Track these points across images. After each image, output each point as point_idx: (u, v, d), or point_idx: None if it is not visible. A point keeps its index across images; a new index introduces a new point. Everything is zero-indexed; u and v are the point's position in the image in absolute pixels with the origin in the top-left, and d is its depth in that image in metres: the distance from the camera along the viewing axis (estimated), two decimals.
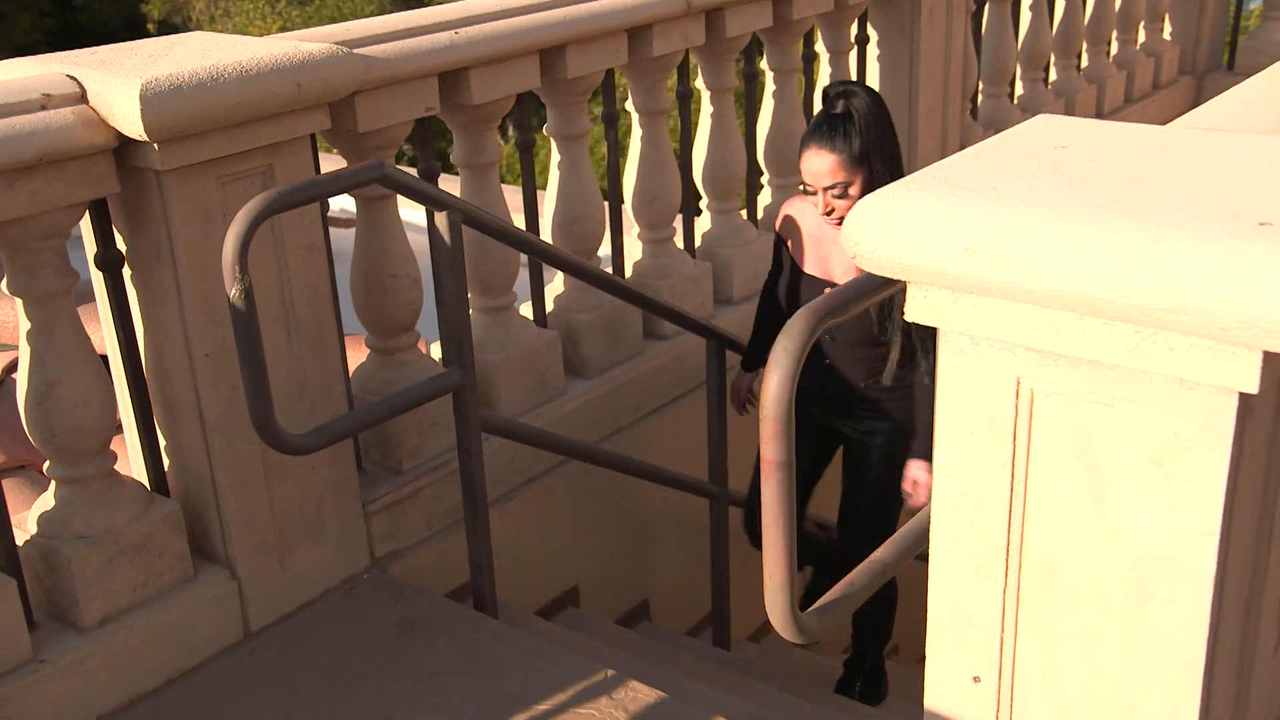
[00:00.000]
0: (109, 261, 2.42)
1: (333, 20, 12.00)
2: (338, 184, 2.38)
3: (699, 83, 3.78)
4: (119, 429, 2.50)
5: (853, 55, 4.27)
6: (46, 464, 2.42)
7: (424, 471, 2.98)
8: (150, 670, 2.48)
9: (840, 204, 2.79)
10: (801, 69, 4.09)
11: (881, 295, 2.24)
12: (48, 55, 2.42)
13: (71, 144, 2.18)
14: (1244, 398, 1.36)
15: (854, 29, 4.25)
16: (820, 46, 4.19)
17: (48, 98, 2.20)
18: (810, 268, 3.01)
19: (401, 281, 2.89)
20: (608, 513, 3.47)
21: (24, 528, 2.44)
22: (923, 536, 1.96)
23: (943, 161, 1.55)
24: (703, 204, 3.92)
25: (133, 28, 14.60)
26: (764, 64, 3.97)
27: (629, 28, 3.26)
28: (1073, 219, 1.37)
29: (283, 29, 11.79)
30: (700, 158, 3.82)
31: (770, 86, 3.98)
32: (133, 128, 2.20)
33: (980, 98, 5.07)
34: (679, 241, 3.80)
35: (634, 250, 3.71)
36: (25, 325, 2.32)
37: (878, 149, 2.76)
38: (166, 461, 2.59)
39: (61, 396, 2.34)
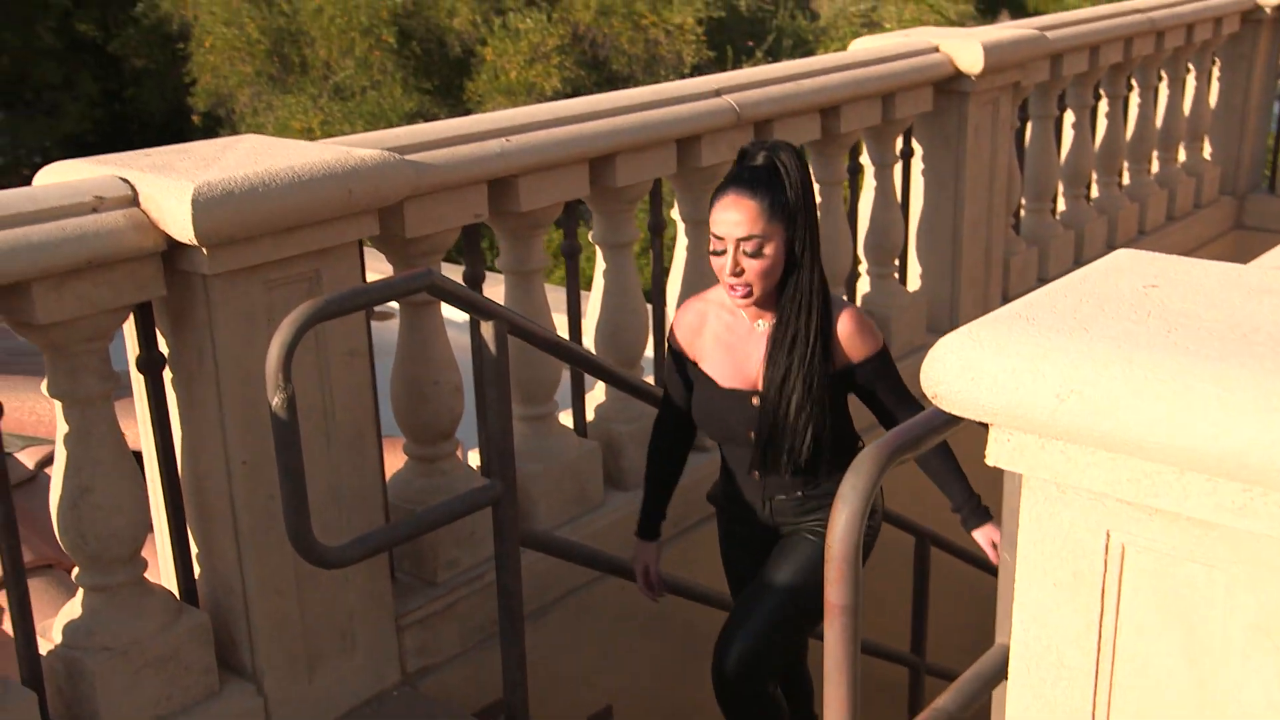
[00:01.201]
0: (150, 364, 2.36)
1: (373, 115, 12.16)
2: (386, 292, 2.33)
3: None
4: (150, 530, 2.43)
5: (898, 168, 4.23)
6: (75, 570, 2.34)
7: (459, 584, 2.88)
8: None
9: (752, 264, 2.39)
10: (845, 181, 4.05)
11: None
12: (103, 156, 2.39)
13: (120, 247, 2.14)
14: None
15: (899, 143, 4.22)
16: (866, 159, 4.16)
17: (99, 200, 2.16)
18: (729, 380, 2.56)
19: (443, 389, 2.82)
20: (647, 629, 3.35)
21: (48, 636, 2.35)
22: (989, 680, 1.85)
23: (1027, 298, 1.48)
24: None
25: (178, 119, 14.85)
26: (815, 175, 3.93)
27: (679, 138, 3.23)
28: (1174, 366, 1.28)
29: (324, 123, 11.96)
30: None
31: (817, 199, 3.94)
32: (183, 232, 2.16)
33: (1023, 213, 5.02)
34: None
35: None
36: (63, 428, 2.26)
37: (803, 210, 2.41)
38: (197, 569, 2.50)
39: (95, 503, 2.26)
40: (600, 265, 3.32)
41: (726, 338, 2.57)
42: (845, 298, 2.67)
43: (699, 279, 3.49)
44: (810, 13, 16.41)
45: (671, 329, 2.65)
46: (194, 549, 2.49)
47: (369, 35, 12.45)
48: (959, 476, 2.57)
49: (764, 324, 2.53)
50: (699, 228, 3.51)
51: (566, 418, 3.31)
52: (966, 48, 4.09)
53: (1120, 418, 1.29)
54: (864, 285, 4.28)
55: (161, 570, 2.55)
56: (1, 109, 17.44)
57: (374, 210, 2.48)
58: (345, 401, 2.53)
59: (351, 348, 2.53)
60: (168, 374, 2.39)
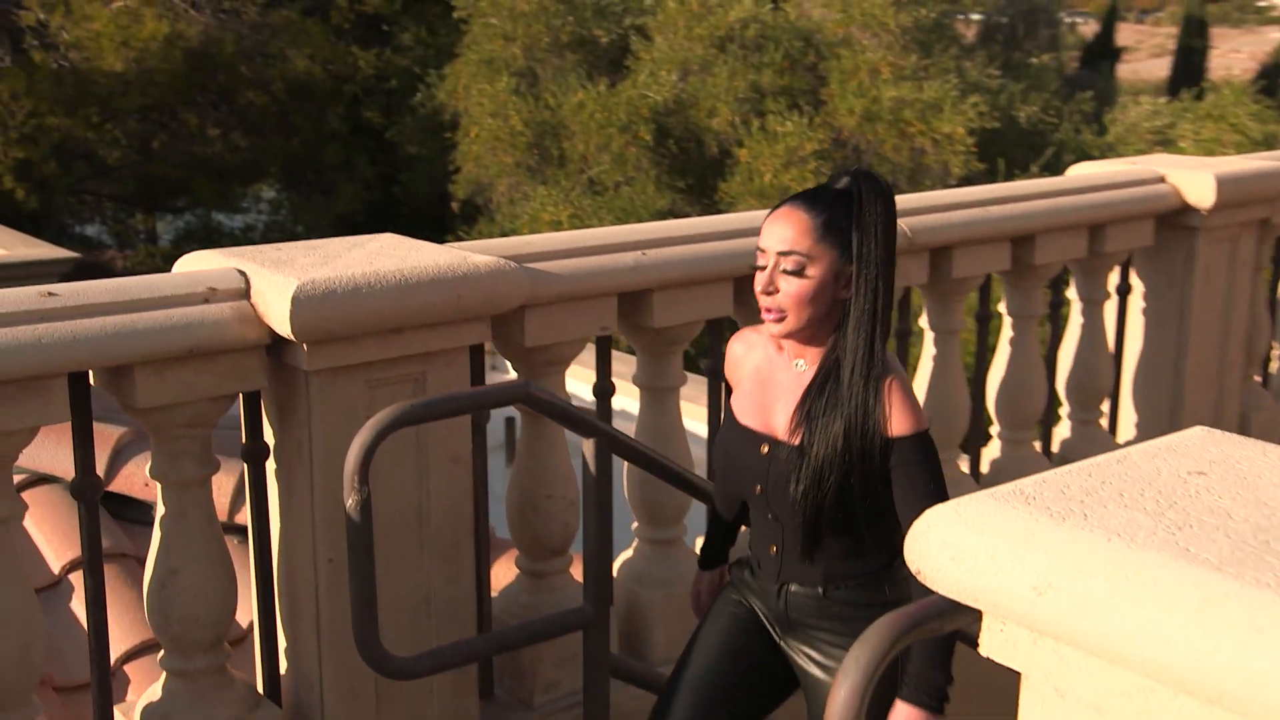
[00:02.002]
0: (254, 454, 2.52)
1: (624, 211, 12.59)
2: (477, 401, 2.42)
3: (923, 321, 3.67)
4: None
5: (1109, 305, 4.05)
6: (160, 653, 2.50)
7: (556, 709, 2.89)
8: None
9: (789, 284, 2.19)
10: (1045, 316, 3.91)
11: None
12: (237, 249, 2.59)
13: (223, 339, 2.31)
14: None
15: (1114, 277, 4.04)
16: (1072, 293, 4.00)
17: (212, 291, 2.35)
18: (747, 417, 2.35)
19: (557, 503, 2.87)
20: None
21: (130, 716, 2.51)
22: None
23: (1043, 474, 1.39)
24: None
25: (441, 205, 15.85)
26: (1001, 307, 3.82)
27: None
28: (1161, 569, 1.18)
29: (572, 216, 12.47)
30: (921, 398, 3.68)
31: (1007, 332, 3.82)
32: (283, 327, 2.31)
33: (1276, 364, 4.68)
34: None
35: None
36: (160, 509, 2.44)
37: (869, 244, 2.20)
38: (283, 664, 2.62)
39: (182, 585, 2.42)
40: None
41: (764, 371, 2.37)
42: (897, 361, 2.34)
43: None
44: (1099, 126, 15.96)
45: (730, 341, 2.52)
46: (282, 643, 2.61)
47: (627, 131, 12.96)
48: (934, 646, 2.19)
49: (804, 364, 2.30)
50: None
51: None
52: (1196, 179, 3.89)
53: (1099, 621, 1.20)
54: (1063, 430, 4.09)
55: (257, 662, 2.68)
56: (286, 187, 19.11)
57: (485, 317, 2.57)
58: (444, 508, 2.61)
59: (455, 453, 2.62)
60: (271, 464, 2.55)
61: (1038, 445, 4.02)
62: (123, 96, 15.16)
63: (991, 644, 1.36)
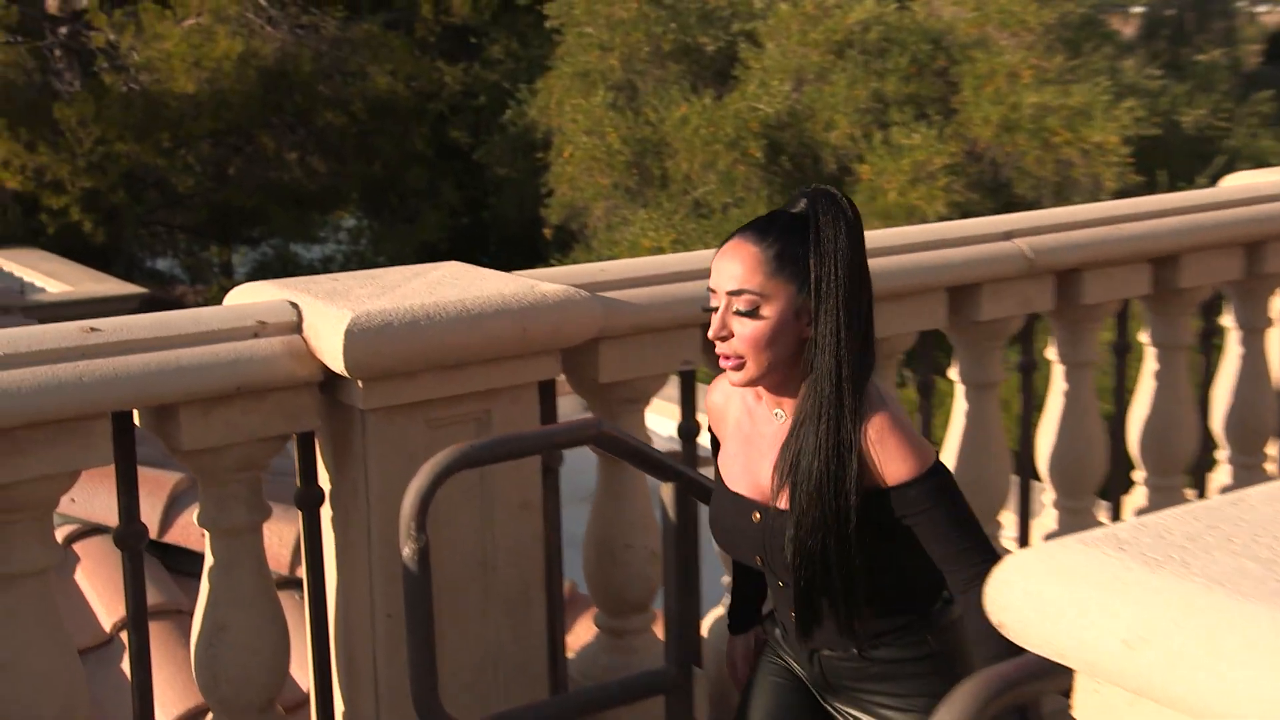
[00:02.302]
0: (308, 500, 2.60)
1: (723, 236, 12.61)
2: (545, 441, 2.47)
3: (1050, 352, 3.65)
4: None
5: (1272, 333, 3.97)
6: (209, 717, 2.58)
7: None
8: None
9: (743, 326, 2.15)
10: (1195, 346, 3.85)
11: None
12: (291, 280, 2.69)
13: (272, 375, 2.40)
14: None
15: (1277, 301, 3.97)
16: (1228, 320, 3.93)
17: (262, 325, 2.44)
18: (735, 482, 2.33)
19: (637, 554, 2.91)
20: None
21: None
22: None
23: (1142, 518, 1.39)
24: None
25: (532, 231, 16.06)
26: (1143, 336, 3.77)
27: (950, 286, 3.22)
28: (1270, 623, 1.17)
29: (675, 242, 12.54)
30: (1047, 443, 3.65)
31: (1151, 365, 3.76)
32: (336, 363, 2.39)
33: None
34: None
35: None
36: (209, 560, 2.53)
37: (830, 273, 2.14)
38: None
39: (231, 642, 2.50)
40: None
41: (745, 426, 2.34)
42: (891, 396, 2.27)
43: (973, 447, 3.43)
44: None
45: (709, 388, 2.48)
46: (339, 704, 2.68)
47: (734, 148, 13.01)
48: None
49: (783, 414, 2.27)
50: (981, 391, 3.45)
51: None
52: None
53: (1194, 681, 1.19)
54: (1222, 475, 4.01)
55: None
56: (367, 215, 19.54)
57: (555, 350, 2.63)
58: (511, 558, 2.67)
59: (523, 499, 2.67)
60: (326, 510, 2.63)
61: (1191, 493, 3.94)
62: (195, 120, 15.65)
63: (1085, 707, 1.35)
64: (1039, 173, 13.39)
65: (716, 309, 2.19)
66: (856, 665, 2.30)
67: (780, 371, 2.20)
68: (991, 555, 2.14)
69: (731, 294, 2.17)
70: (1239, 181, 4.07)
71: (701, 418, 3.02)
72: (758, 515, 2.27)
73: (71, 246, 15.08)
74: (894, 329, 3.15)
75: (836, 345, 2.15)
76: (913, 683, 2.28)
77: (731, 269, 2.17)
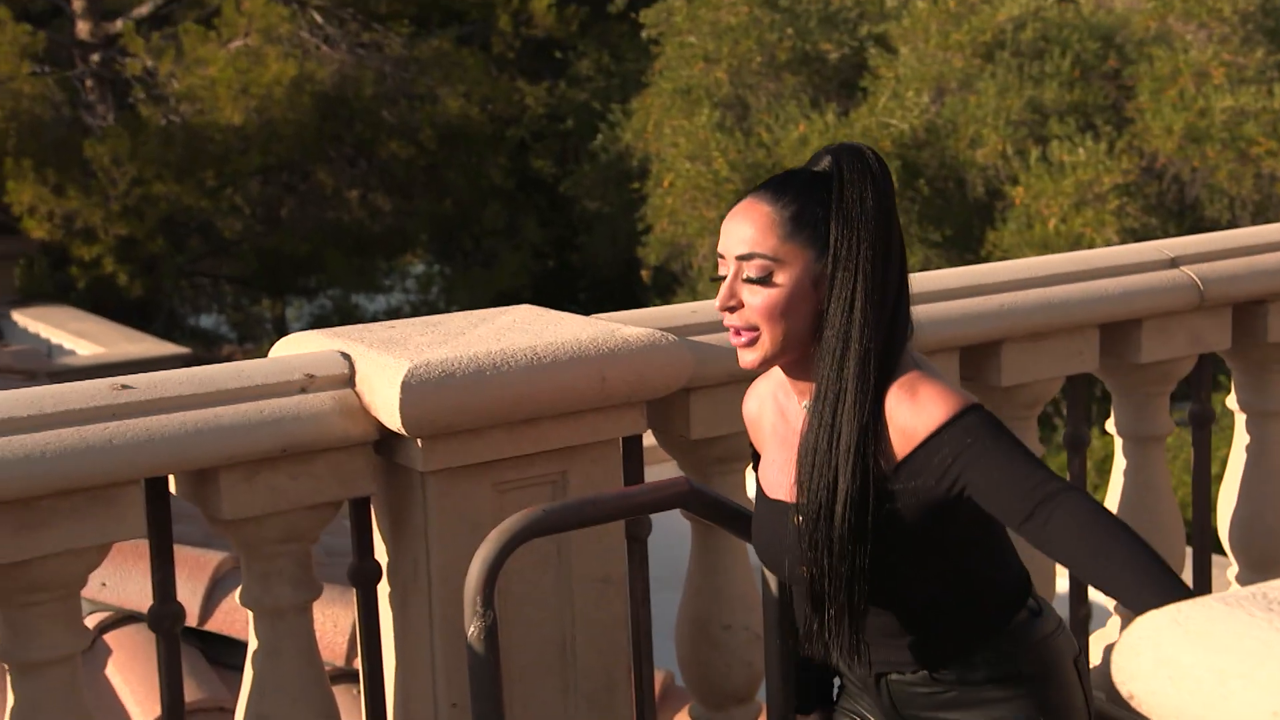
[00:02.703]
0: (363, 575, 2.71)
1: None
2: (626, 504, 2.55)
3: (1231, 400, 3.67)
4: None
5: None
6: None
7: None
8: None
9: (754, 295, 2.23)
10: None
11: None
12: (344, 329, 2.81)
13: (321, 435, 2.52)
14: None
15: None
16: None
17: (310, 379, 2.56)
18: (773, 489, 2.40)
19: (738, 635, 2.98)
20: None
21: None
22: None
23: None
24: None
25: (628, 273, 16.29)
26: None
27: (1102, 323, 3.27)
28: None
29: None
30: (1228, 507, 3.67)
31: None
32: (391, 419, 2.50)
33: None
34: None
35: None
36: (252, 643, 2.64)
37: (852, 240, 2.20)
38: None
39: None
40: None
41: (780, 428, 2.42)
42: (927, 363, 2.35)
43: (1135, 511, 3.45)
44: None
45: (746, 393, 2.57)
46: None
47: None
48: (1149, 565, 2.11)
49: (810, 404, 2.32)
50: (1144, 445, 3.48)
51: None
52: None
53: None
54: None
55: None
56: (438, 259, 19.93)
57: (639, 402, 2.72)
58: (593, 642, 2.75)
59: (606, 574, 2.76)
60: (384, 587, 2.73)
61: None
62: (242, 155, 16.14)
63: None
64: (1234, 190, 13.28)
65: (725, 277, 2.26)
66: (928, 690, 2.34)
67: (798, 349, 2.26)
68: (1067, 484, 2.15)
69: (741, 259, 2.23)
70: None
71: None
72: (799, 519, 2.31)
73: (105, 302, 15.62)
74: (1034, 374, 3.21)
75: (850, 316, 2.20)
76: (996, 708, 2.30)
77: (742, 231, 2.24)
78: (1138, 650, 1.40)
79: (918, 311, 3.04)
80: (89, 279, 16.02)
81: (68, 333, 12.30)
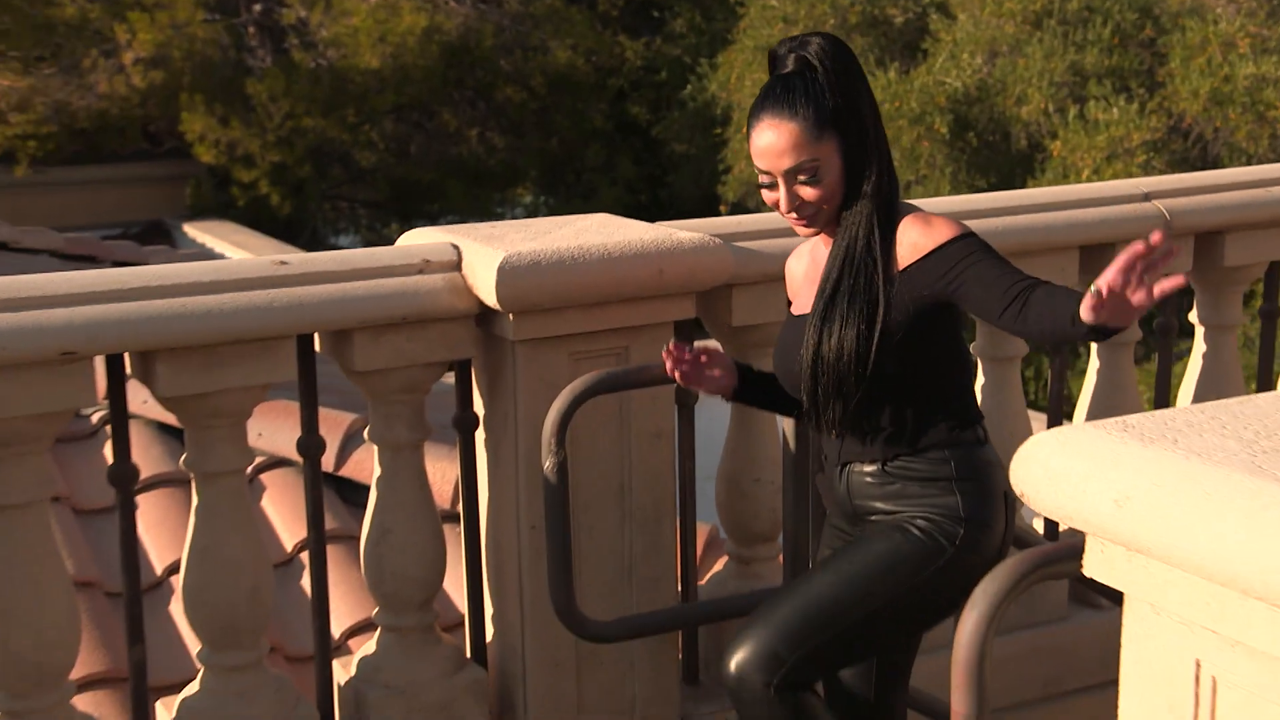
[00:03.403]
0: (464, 423, 3.01)
1: None
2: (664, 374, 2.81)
3: (1192, 315, 3.84)
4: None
5: None
6: (375, 609, 3.01)
7: None
8: None
9: (812, 192, 2.46)
10: None
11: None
12: (456, 226, 3.09)
13: (434, 307, 2.80)
14: None
15: None
16: None
17: (426, 263, 2.84)
18: (799, 309, 2.66)
19: (764, 488, 3.24)
20: None
21: (348, 668, 3.02)
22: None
23: (1155, 411, 1.68)
24: None
25: (709, 208, 16.43)
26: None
27: (1083, 244, 3.46)
28: (1233, 484, 1.46)
29: None
30: (1185, 402, 3.84)
31: None
32: (489, 297, 2.78)
33: None
34: None
35: None
36: (376, 470, 2.95)
37: (850, 109, 2.46)
38: (490, 629, 3.09)
39: (394, 544, 2.92)
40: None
41: (812, 270, 2.65)
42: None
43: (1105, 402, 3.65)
44: None
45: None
46: (488, 609, 3.08)
47: (919, 123, 13.14)
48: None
49: None
50: (1117, 350, 3.67)
51: None
52: None
53: (1176, 532, 1.48)
54: None
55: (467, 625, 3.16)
56: (544, 191, 20.17)
57: (690, 293, 2.98)
58: (645, 483, 3.03)
59: (657, 429, 3.03)
60: (481, 434, 3.03)
61: None
62: (378, 95, 16.43)
63: (1093, 564, 1.65)
64: (1252, 149, 13.14)
65: (774, 186, 2.49)
66: (877, 482, 2.54)
67: (838, 209, 2.52)
68: (1039, 280, 2.37)
69: (787, 173, 2.46)
70: None
71: None
72: (813, 305, 2.56)
73: (259, 219, 16.00)
74: None
75: (877, 161, 2.49)
76: (923, 498, 2.51)
77: (778, 147, 2.46)
78: (1029, 460, 1.65)
79: None
80: (247, 199, 16.40)
81: (229, 243, 12.71)
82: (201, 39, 15.74)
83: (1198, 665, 1.56)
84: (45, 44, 15.57)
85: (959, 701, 1.81)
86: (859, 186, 2.49)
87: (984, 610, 1.79)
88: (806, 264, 2.69)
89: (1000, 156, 13.67)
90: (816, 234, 2.57)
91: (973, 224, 3.30)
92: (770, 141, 2.46)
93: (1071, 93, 13.43)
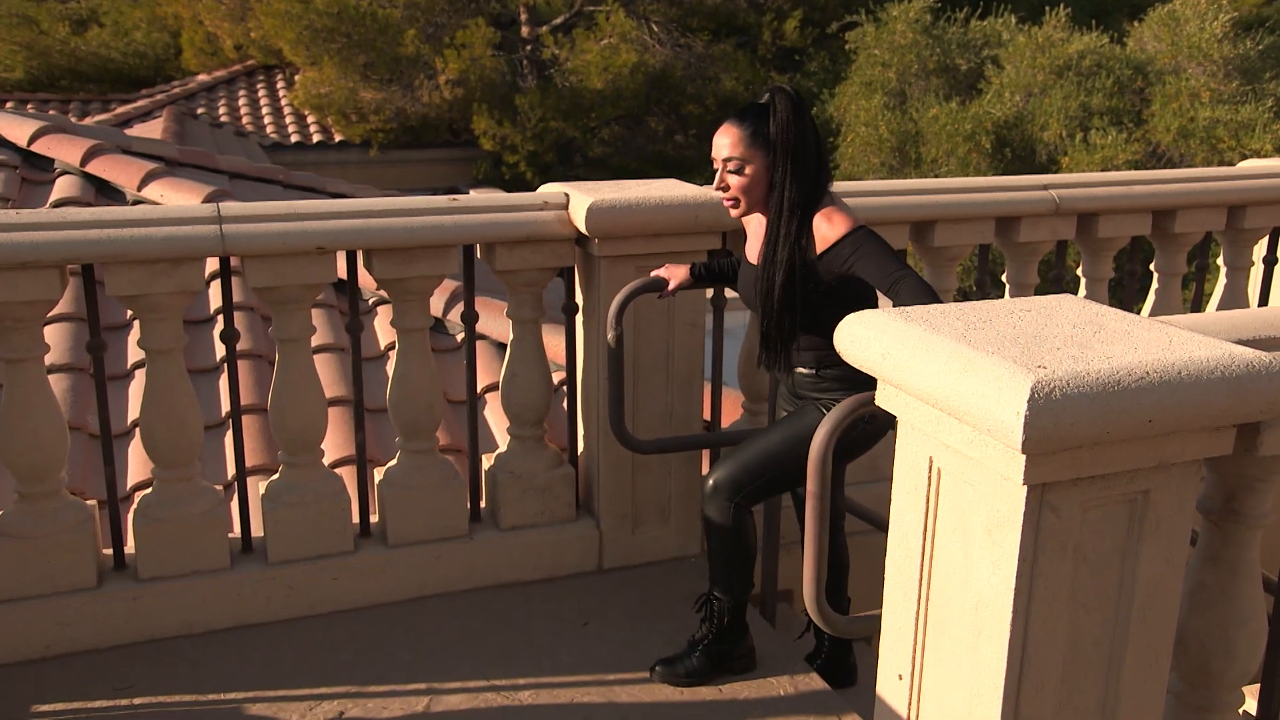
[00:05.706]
0: (568, 309, 3.20)
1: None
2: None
3: (1079, 270, 3.80)
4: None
5: (1255, 272, 3.95)
6: (508, 424, 3.25)
7: None
8: (533, 566, 3.20)
9: (733, 180, 2.48)
10: (1190, 274, 3.89)
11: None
12: (570, 183, 3.25)
13: (547, 232, 3.00)
14: (1035, 488, 1.47)
15: (1261, 249, 3.94)
16: (1220, 260, 3.94)
17: (545, 204, 3.03)
18: (752, 256, 2.63)
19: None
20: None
21: (490, 460, 3.28)
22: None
23: (958, 304, 1.76)
24: None
25: None
26: (1154, 265, 3.86)
27: (999, 216, 3.46)
28: (934, 344, 1.57)
29: None
30: None
31: (1154, 285, 3.85)
32: (583, 226, 2.96)
33: None
34: None
35: None
36: (510, 336, 3.17)
37: (783, 142, 2.42)
38: (581, 442, 3.31)
39: (518, 384, 3.15)
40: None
41: (758, 231, 2.62)
42: (841, 201, 2.52)
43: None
44: None
45: None
46: (580, 428, 3.30)
47: (970, 140, 12.73)
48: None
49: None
50: (1023, 290, 3.66)
51: None
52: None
53: (912, 374, 1.61)
54: None
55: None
56: (711, 180, 20.07)
57: (717, 231, 3.10)
58: (682, 356, 3.18)
59: (693, 320, 3.17)
60: (580, 318, 3.22)
61: None
62: (602, 108, 16.60)
63: (881, 398, 1.78)
64: None
65: (717, 170, 2.54)
66: (813, 381, 2.59)
67: (761, 205, 2.52)
68: (911, 271, 2.35)
69: (724, 160, 2.50)
70: (1252, 164, 4.03)
71: None
72: (759, 278, 2.55)
73: (520, 188, 16.35)
74: (954, 241, 3.42)
75: (791, 181, 2.45)
76: (835, 391, 2.58)
77: (723, 143, 2.50)
78: (844, 330, 1.76)
79: (894, 201, 3.33)
80: (511, 175, 16.77)
81: None
82: (489, 67, 16.10)
83: (930, 460, 1.69)
84: (393, 70, 16.16)
85: (813, 483, 1.94)
86: (783, 188, 2.45)
87: (829, 428, 1.92)
88: (750, 236, 2.68)
89: (1027, 167, 13.17)
90: (740, 215, 2.56)
91: (920, 199, 3.35)
92: (720, 136, 2.51)
93: (1080, 124, 12.84)
